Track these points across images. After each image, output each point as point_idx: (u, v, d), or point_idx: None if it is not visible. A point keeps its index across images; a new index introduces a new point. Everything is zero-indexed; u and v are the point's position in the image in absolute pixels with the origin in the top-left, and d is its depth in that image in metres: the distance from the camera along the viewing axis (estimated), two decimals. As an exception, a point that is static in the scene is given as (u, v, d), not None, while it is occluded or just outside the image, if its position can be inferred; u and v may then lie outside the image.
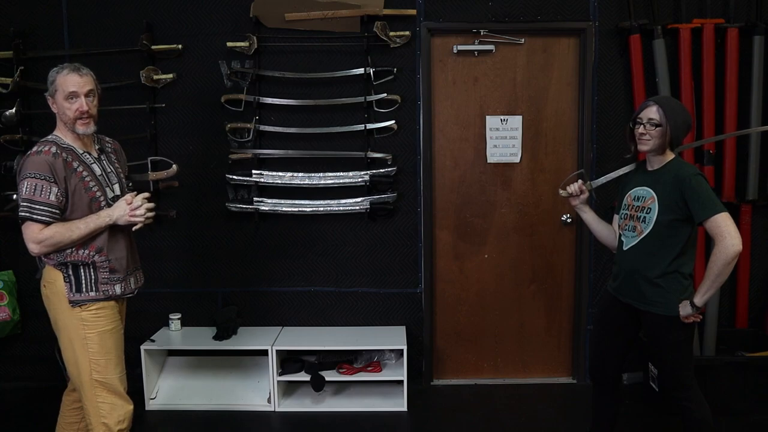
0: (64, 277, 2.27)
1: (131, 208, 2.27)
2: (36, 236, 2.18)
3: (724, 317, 3.58)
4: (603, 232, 2.65)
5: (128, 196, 2.30)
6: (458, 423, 3.25)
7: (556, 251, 3.69)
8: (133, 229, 2.34)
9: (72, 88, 2.24)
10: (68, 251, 2.25)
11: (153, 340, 3.48)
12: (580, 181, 2.64)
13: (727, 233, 2.19)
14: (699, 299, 2.26)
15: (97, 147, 2.41)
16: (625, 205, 2.51)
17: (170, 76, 3.47)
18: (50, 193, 2.18)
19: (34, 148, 2.24)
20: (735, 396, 3.20)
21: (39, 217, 2.18)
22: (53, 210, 2.19)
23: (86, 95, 2.27)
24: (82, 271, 2.28)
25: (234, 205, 3.53)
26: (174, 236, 3.65)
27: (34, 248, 2.21)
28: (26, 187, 2.17)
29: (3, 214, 3.47)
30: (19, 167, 2.25)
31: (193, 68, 3.52)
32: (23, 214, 2.18)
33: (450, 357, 3.77)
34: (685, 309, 2.29)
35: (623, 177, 2.62)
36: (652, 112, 2.35)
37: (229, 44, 3.42)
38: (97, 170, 2.34)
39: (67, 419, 2.57)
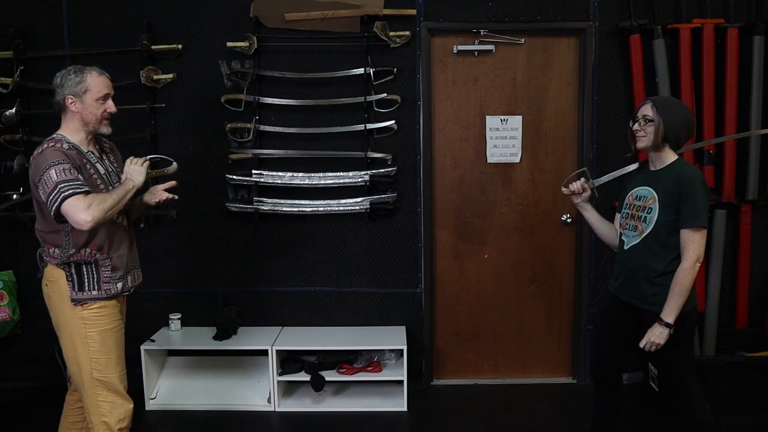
0: (67, 276, 2.28)
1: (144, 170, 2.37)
2: (82, 203, 2.12)
3: (724, 317, 3.58)
4: (604, 230, 2.66)
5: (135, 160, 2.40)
6: (458, 423, 3.26)
7: (556, 251, 3.69)
8: (153, 202, 2.46)
9: (106, 90, 2.32)
10: (71, 251, 2.26)
11: (153, 340, 3.48)
12: (582, 180, 2.65)
13: (698, 248, 2.27)
14: (672, 317, 2.28)
15: (97, 147, 2.43)
16: (626, 204, 2.51)
17: (170, 76, 3.47)
18: (77, 173, 2.20)
19: (46, 144, 2.25)
20: (735, 396, 3.19)
21: (81, 190, 2.15)
22: (85, 186, 2.18)
23: (112, 97, 2.36)
24: (84, 269, 2.29)
25: (234, 205, 3.53)
26: (174, 236, 3.65)
27: (85, 216, 2.12)
28: (55, 173, 2.15)
29: (3, 214, 3.47)
30: (35, 164, 2.21)
31: (193, 68, 3.52)
32: (66, 192, 2.12)
33: (450, 357, 3.77)
34: (661, 335, 2.29)
35: (625, 176, 2.62)
36: (647, 110, 2.38)
37: (229, 44, 3.42)
38: (101, 169, 2.36)
39: (69, 419, 2.58)
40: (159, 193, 2.49)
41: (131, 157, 2.42)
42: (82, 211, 2.12)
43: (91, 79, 2.29)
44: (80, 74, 2.29)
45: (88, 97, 2.28)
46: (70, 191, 2.13)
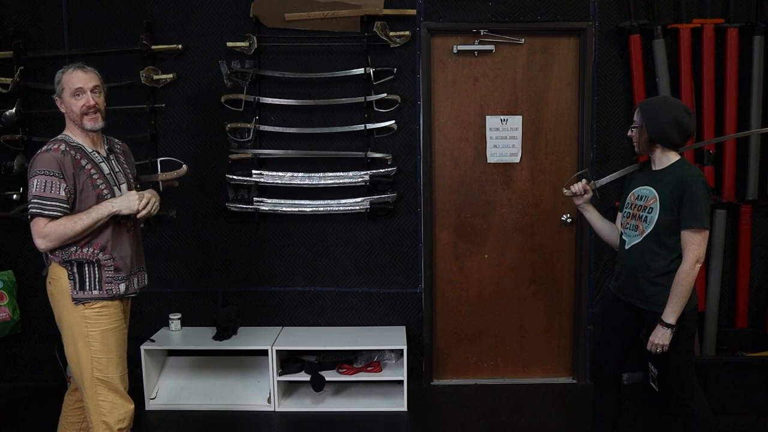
0: (69, 274, 2.28)
1: (142, 206, 2.29)
2: (41, 230, 2.19)
3: (724, 317, 3.58)
4: (606, 231, 2.67)
5: (139, 194, 2.32)
6: (458, 423, 3.25)
7: (556, 251, 3.69)
8: (138, 216, 2.33)
9: (78, 84, 2.29)
10: (72, 249, 2.26)
11: (153, 340, 3.48)
12: (584, 181, 2.66)
13: (699, 249, 2.28)
14: (674, 318, 2.29)
15: (106, 147, 2.44)
16: (627, 204, 2.52)
17: (170, 76, 3.47)
18: (60, 188, 2.20)
19: (44, 147, 2.26)
20: (735, 396, 3.19)
21: (49, 212, 2.19)
22: (63, 205, 2.21)
23: (92, 90, 2.31)
24: (86, 269, 2.29)
25: (234, 205, 3.53)
26: (174, 236, 3.65)
27: (40, 243, 2.22)
28: (36, 184, 2.20)
29: (3, 215, 3.47)
30: (29, 166, 2.27)
31: (193, 68, 3.52)
32: (34, 210, 2.19)
33: (450, 357, 3.77)
34: (664, 336, 2.30)
35: (627, 176, 2.63)
36: (635, 114, 2.45)
37: (229, 44, 3.42)
38: (105, 169, 2.36)
39: (69, 419, 2.58)
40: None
41: (143, 192, 2.32)
42: (40, 237, 2.21)
43: (65, 77, 2.30)
44: (60, 74, 2.32)
45: (65, 94, 2.30)
46: (38, 210, 2.18)
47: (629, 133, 2.47)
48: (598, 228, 2.69)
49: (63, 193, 2.21)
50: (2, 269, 3.61)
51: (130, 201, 2.29)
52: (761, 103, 3.39)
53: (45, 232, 2.19)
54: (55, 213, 2.19)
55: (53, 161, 2.20)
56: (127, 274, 2.39)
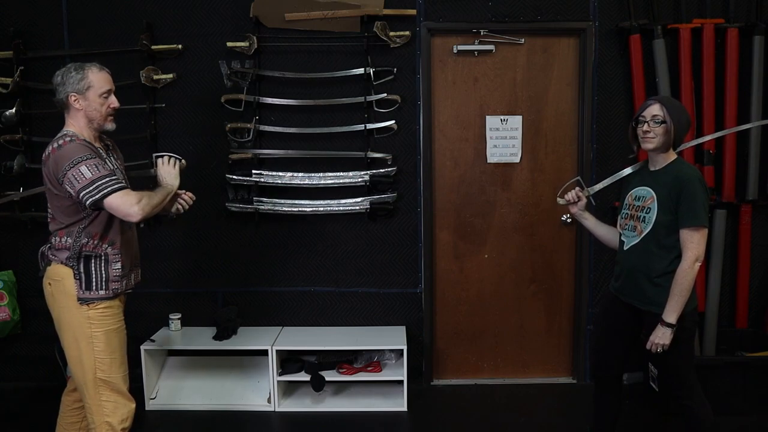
0: (75, 274, 2.27)
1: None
2: (131, 198, 2.20)
3: (724, 317, 3.57)
4: (606, 235, 2.66)
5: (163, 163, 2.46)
6: (458, 423, 3.26)
7: (556, 251, 3.69)
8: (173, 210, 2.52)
9: (107, 86, 2.32)
10: (83, 241, 2.26)
11: (153, 340, 3.48)
12: (577, 188, 2.65)
13: (698, 248, 2.27)
14: (674, 318, 2.28)
15: (102, 144, 2.43)
16: (626, 204, 2.51)
17: (170, 76, 3.47)
18: (104, 167, 2.22)
19: (62, 140, 2.23)
20: (735, 396, 3.20)
21: (119, 186, 2.20)
22: (118, 177, 2.26)
23: (114, 93, 2.37)
24: (93, 267, 2.29)
25: (234, 205, 3.53)
26: (174, 236, 3.65)
27: (136, 211, 2.20)
28: (87, 169, 2.17)
29: (3, 214, 3.47)
30: (55, 159, 2.20)
31: (193, 68, 3.52)
32: (106, 190, 2.16)
33: (450, 357, 3.77)
34: (665, 336, 2.30)
35: (626, 177, 2.62)
36: (656, 110, 2.35)
37: (229, 44, 3.42)
38: (110, 165, 2.36)
39: (67, 419, 2.57)
40: (179, 201, 2.55)
41: (163, 158, 2.46)
42: (134, 205, 2.21)
43: (92, 75, 2.29)
44: (81, 71, 2.29)
45: (91, 93, 2.28)
46: (117, 185, 2.20)
47: (645, 127, 2.35)
48: (598, 233, 2.69)
49: (111, 167, 2.28)
50: (2, 269, 3.61)
51: (171, 175, 2.46)
52: (761, 104, 3.39)
53: (136, 199, 2.21)
54: (122, 185, 2.22)
55: (86, 148, 2.22)
56: (129, 269, 2.41)
